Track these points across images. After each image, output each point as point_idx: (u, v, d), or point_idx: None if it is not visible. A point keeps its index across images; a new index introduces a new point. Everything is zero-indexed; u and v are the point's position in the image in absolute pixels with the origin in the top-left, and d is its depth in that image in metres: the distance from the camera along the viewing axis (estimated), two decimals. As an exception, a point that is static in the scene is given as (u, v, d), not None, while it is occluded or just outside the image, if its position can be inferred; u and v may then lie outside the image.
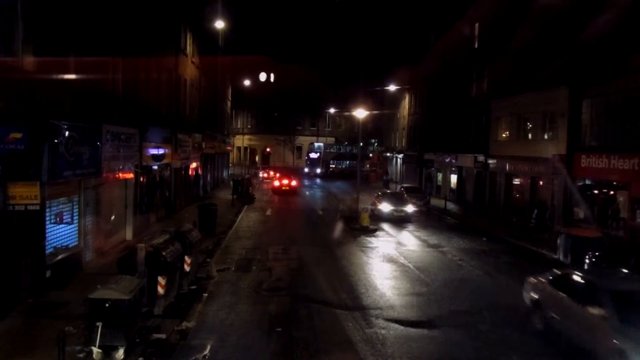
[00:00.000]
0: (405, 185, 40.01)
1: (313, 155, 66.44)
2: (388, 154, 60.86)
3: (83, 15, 14.01)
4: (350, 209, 28.91)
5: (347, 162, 64.12)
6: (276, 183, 42.26)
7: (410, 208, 28.22)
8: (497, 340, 10.94)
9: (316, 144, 68.54)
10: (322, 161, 65.17)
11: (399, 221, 26.98)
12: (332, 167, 64.70)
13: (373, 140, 69.48)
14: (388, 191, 34.56)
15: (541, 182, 26.66)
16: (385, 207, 27.93)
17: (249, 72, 60.85)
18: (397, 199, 29.21)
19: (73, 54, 13.39)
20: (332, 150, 68.03)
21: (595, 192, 22.02)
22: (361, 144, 41.16)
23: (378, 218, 27.20)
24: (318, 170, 64.51)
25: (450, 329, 11.50)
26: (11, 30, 11.03)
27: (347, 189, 44.89)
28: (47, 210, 12.30)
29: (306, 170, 66.72)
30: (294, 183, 41.61)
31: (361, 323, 11.63)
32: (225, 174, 50.03)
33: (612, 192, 21.19)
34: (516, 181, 29.64)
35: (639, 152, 18.90)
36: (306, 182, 54.80)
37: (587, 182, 22.52)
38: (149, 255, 11.12)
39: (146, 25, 20.33)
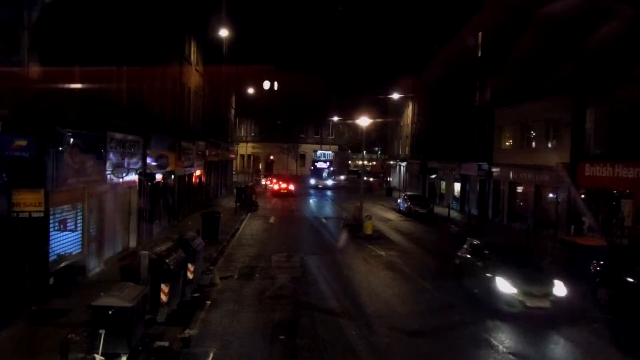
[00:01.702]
0: (409, 193, 39.96)
1: (321, 164, 58.83)
2: (391, 162, 60.87)
3: (88, 24, 14.09)
4: (353, 217, 28.86)
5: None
6: (275, 187, 48.41)
7: (560, 288, 13.14)
8: (502, 349, 10.88)
9: (320, 152, 62.86)
10: (332, 172, 58.09)
11: (535, 322, 12.40)
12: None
13: (376, 148, 69.56)
14: (492, 242, 16.85)
15: (544, 192, 26.61)
16: (504, 285, 13.04)
17: (252, 80, 61.03)
18: (527, 266, 14.08)
19: (78, 62, 13.46)
20: (343, 159, 63.17)
21: (600, 200, 21.95)
22: (364, 151, 41.24)
23: (490, 308, 13.18)
24: (329, 182, 56.72)
25: (454, 338, 11.43)
26: (17, 39, 11.11)
27: (349, 197, 44.83)
28: (51, 217, 12.32)
29: (312, 181, 57.71)
30: (291, 187, 47.66)
31: (364, 331, 11.58)
32: (228, 181, 50.09)
33: (616, 201, 21.12)
34: (520, 189, 29.59)
35: (643, 161, 18.86)
36: (312, 197, 48.04)
37: (592, 190, 22.44)
38: (152, 263, 11.11)
39: (151, 34, 20.43)
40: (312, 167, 60.89)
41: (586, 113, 22.92)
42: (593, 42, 19.27)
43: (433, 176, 44.14)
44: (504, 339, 11.48)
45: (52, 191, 11.88)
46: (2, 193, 10.66)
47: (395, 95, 51.76)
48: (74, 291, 12.83)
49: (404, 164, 54.47)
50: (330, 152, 62.98)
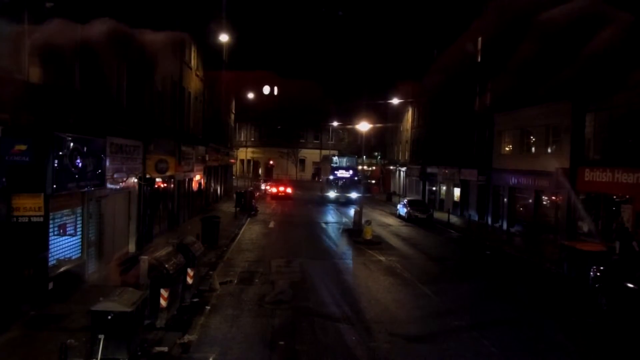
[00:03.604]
0: (408, 198, 39.97)
1: (342, 173, 46.71)
2: (391, 167, 60.88)
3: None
4: (353, 222, 28.85)
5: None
6: (274, 190, 50.36)
7: None
8: (501, 355, 10.85)
9: (338, 157, 49.92)
10: (357, 181, 46.10)
11: None
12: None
13: (376, 153, 69.61)
14: None
15: (544, 197, 26.62)
16: None
17: (252, 86, 61.05)
18: None
19: (78, 66, 13.49)
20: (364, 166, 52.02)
21: (600, 206, 21.95)
22: (364, 156, 41.12)
23: None
24: (353, 196, 44.28)
25: (454, 344, 11.39)
26: (17, 42, 11.13)
27: (348, 203, 44.82)
28: (51, 221, 12.31)
29: (330, 194, 45.90)
30: (288, 190, 49.18)
31: (364, 337, 11.54)
32: (228, 186, 50.18)
33: (615, 206, 21.12)
34: (519, 195, 29.59)
35: (642, 166, 18.88)
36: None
37: (591, 195, 22.45)
38: (151, 268, 11.10)
39: (151, 39, 20.45)
40: (330, 177, 47.24)
41: (585, 118, 22.96)
42: (592, 48, 19.31)
43: (432, 182, 44.16)
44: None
45: (52, 196, 11.88)
46: (2, 197, 10.65)
47: (395, 101, 51.85)
48: (73, 296, 12.81)
49: (403, 169, 54.48)
50: (352, 157, 49.69)
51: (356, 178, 46.48)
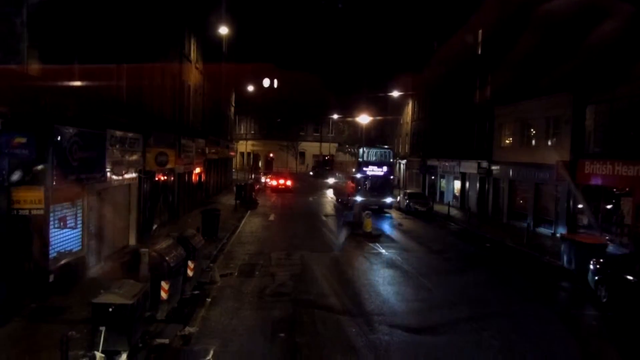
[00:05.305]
0: (408, 191, 39.94)
1: (373, 170, 34.28)
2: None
3: (88, 20, 14.06)
4: (353, 215, 28.82)
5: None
6: (274, 183, 50.93)
7: None
8: (501, 347, 10.89)
9: (363, 149, 35.55)
10: (391, 181, 36.21)
11: None
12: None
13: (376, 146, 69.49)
14: None
15: (544, 190, 26.61)
16: None
17: (252, 78, 60.95)
18: None
19: (78, 59, 13.44)
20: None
21: (600, 198, 21.95)
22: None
23: None
24: (388, 200, 33.92)
25: (454, 336, 11.44)
26: (16, 36, 11.08)
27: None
28: (51, 214, 12.30)
29: (358, 199, 31.76)
30: (288, 183, 49.75)
31: (364, 329, 11.57)
32: (228, 179, 50.20)
33: (616, 199, 21.13)
34: (519, 187, 29.59)
35: (643, 159, 18.86)
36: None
37: (591, 188, 22.44)
38: (152, 260, 11.11)
39: (151, 31, 20.39)
40: (358, 175, 34.62)
41: (586, 111, 22.92)
42: (593, 39, 19.26)
43: (433, 174, 44.14)
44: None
45: (52, 188, 11.86)
46: (2, 190, 10.64)
47: (395, 93, 51.77)
48: (74, 288, 12.82)
49: (403, 161, 54.45)
50: (386, 150, 37.49)
51: (392, 177, 36.00)
